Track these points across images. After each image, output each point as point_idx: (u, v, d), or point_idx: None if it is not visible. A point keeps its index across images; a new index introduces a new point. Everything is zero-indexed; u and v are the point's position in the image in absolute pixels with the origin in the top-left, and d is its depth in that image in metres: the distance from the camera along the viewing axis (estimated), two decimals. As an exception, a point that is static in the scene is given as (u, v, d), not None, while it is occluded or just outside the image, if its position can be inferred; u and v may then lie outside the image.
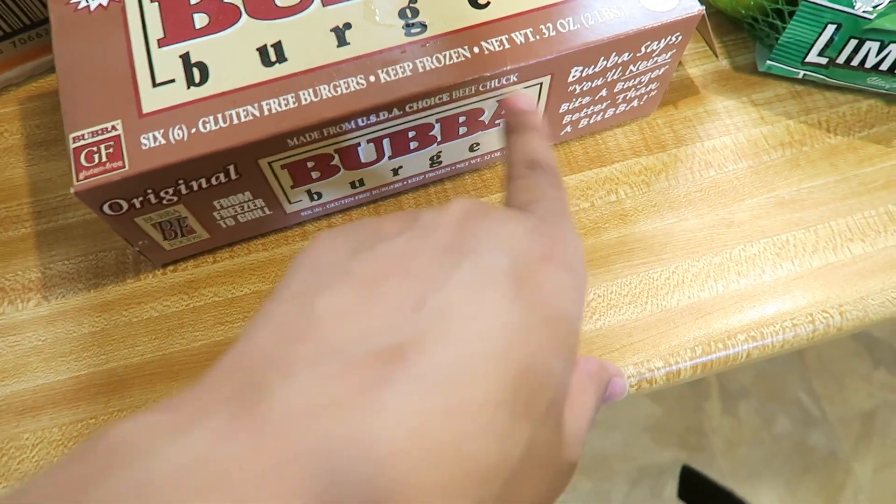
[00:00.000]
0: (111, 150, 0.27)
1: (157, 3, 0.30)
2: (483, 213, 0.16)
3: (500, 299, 0.14)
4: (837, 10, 0.31)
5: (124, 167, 0.26)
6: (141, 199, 0.28)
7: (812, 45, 0.32)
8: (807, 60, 0.33)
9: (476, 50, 0.28)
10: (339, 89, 0.28)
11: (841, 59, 0.33)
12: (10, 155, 0.37)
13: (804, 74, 0.34)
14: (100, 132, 0.27)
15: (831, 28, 0.31)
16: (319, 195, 0.32)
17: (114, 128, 0.27)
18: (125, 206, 0.28)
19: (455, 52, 0.28)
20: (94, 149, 0.27)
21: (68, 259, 0.34)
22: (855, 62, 0.32)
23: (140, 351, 0.31)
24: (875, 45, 0.31)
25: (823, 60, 0.33)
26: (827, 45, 0.32)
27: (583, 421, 0.17)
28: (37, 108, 0.38)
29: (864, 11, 0.30)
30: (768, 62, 0.34)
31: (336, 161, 0.30)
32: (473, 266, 0.14)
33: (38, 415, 0.30)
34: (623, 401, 0.29)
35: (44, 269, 0.34)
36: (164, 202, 0.29)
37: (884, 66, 0.32)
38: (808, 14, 0.31)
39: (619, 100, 0.33)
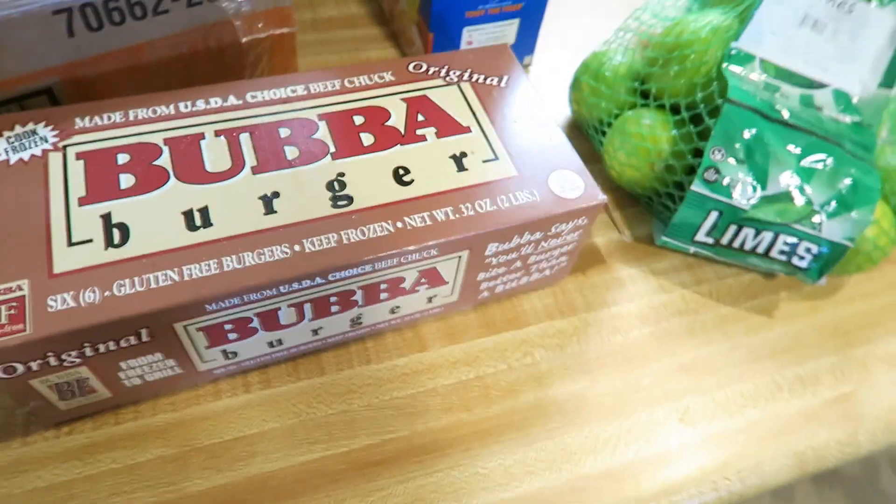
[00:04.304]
0: (13, 311, 0.26)
1: (82, 161, 0.30)
2: None
3: None
4: (718, 199, 0.35)
5: (25, 331, 0.25)
6: (40, 361, 0.26)
7: (699, 227, 0.36)
8: (696, 239, 0.37)
9: (400, 225, 0.30)
10: (263, 257, 0.28)
11: (724, 241, 0.37)
12: None
13: (695, 251, 0.38)
14: (3, 292, 0.26)
15: (715, 214, 0.36)
16: (235, 354, 0.31)
17: (19, 287, 0.26)
18: (21, 368, 0.26)
19: (380, 226, 0.30)
20: (-6, 309, 0.25)
21: (-56, 416, 0.31)
22: (736, 244, 0.36)
23: (14, 528, 0.28)
24: (751, 232, 0.36)
25: (710, 240, 0.37)
26: (713, 228, 0.36)
27: None
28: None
29: (740, 203, 0.35)
30: (664, 238, 0.38)
31: (255, 324, 0.30)
32: None
33: None
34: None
35: (-88, 427, 0.31)
36: (66, 364, 0.27)
37: (760, 250, 0.36)
38: (695, 201, 0.36)
39: (533, 270, 0.35)
